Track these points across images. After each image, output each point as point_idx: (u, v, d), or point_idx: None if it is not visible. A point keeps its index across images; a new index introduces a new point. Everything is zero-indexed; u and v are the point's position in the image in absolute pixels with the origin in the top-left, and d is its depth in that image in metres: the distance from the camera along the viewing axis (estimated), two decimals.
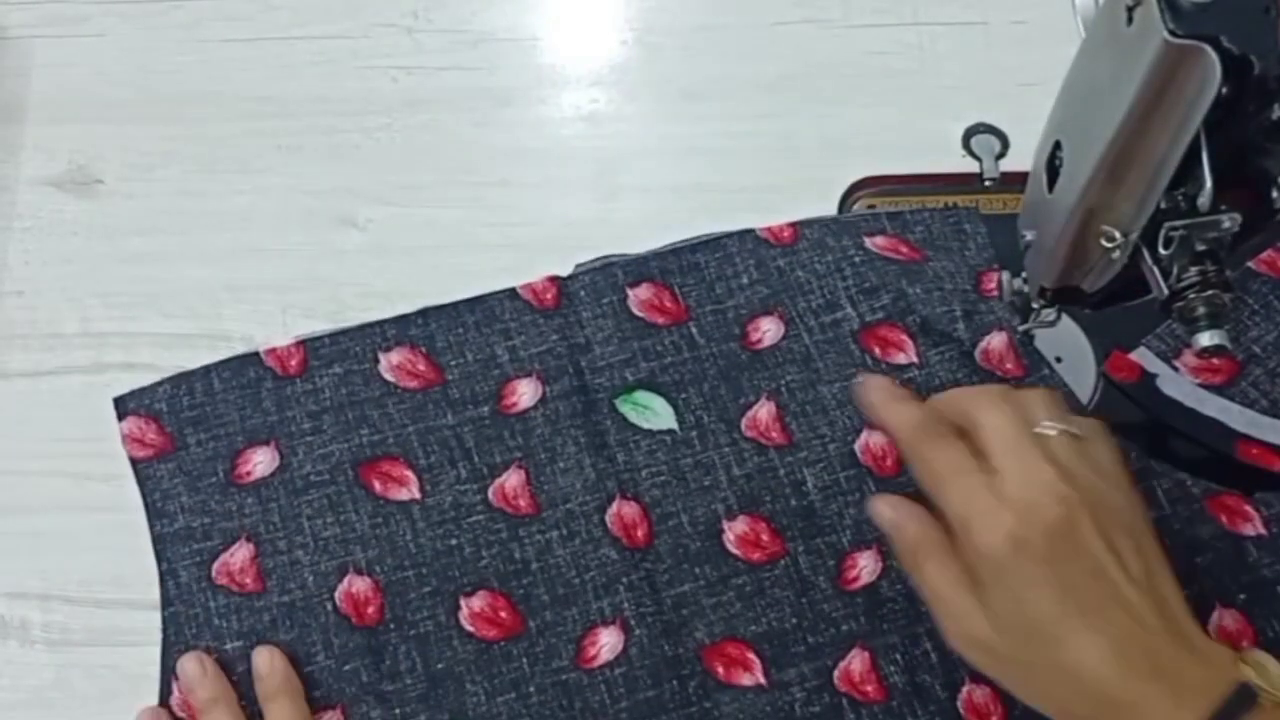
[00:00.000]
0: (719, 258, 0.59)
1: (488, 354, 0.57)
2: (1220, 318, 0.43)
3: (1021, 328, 0.55)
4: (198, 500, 0.54)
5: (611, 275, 0.58)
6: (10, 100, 0.65)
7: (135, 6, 0.68)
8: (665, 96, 0.66)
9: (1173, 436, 0.57)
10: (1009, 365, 0.56)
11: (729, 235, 0.59)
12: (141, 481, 0.54)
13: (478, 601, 0.52)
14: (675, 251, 0.59)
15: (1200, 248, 0.42)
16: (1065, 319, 0.56)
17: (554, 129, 0.65)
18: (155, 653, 0.52)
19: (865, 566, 0.53)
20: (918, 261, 0.58)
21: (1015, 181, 0.58)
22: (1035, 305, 0.53)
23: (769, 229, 0.59)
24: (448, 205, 0.63)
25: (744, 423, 0.55)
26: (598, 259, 0.59)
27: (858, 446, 0.55)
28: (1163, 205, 0.42)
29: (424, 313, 0.58)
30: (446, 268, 0.61)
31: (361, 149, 0.64)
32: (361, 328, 0.57)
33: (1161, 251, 0.43)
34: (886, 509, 0.46)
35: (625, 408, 0.56)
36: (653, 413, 0.56)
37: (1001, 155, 0.63)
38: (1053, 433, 0.44)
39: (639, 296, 0.58)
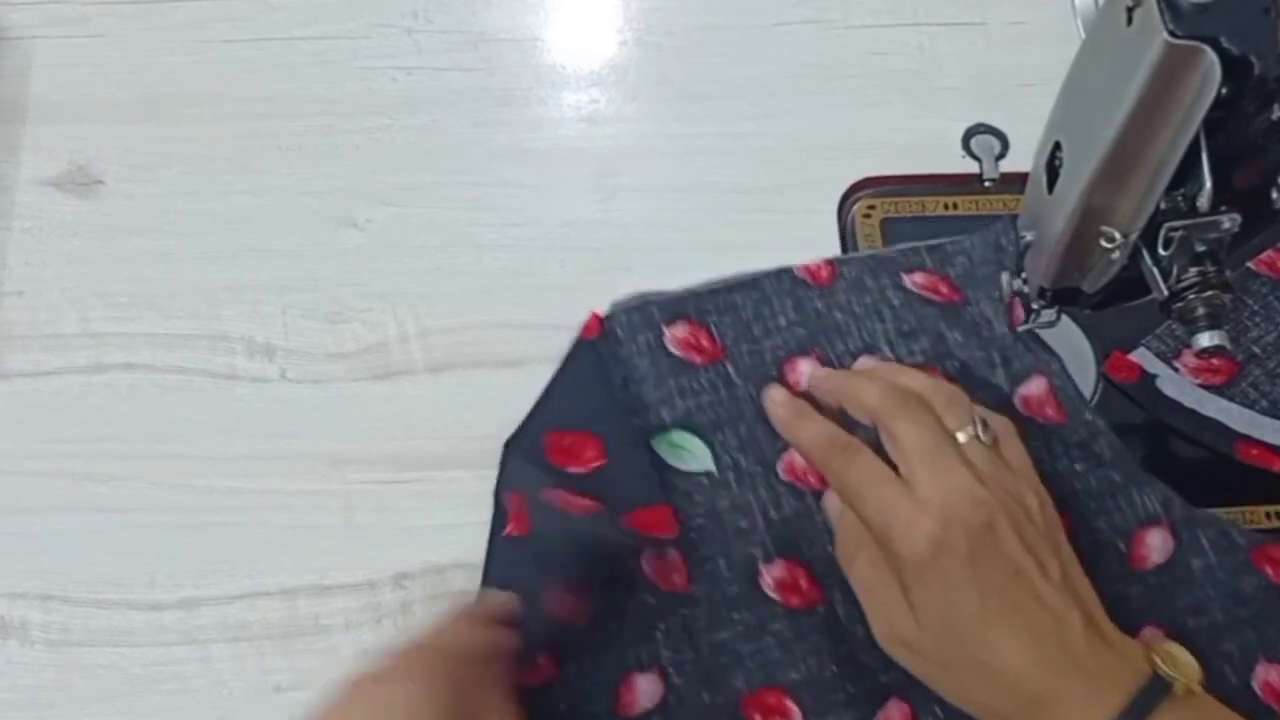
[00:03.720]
0: (756, 298, 0.58)
1: None
2: (1220, 318, 0.43)
3: (1021, 328, 0.55)
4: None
5: (648, 314, 0.57)
6: (10, 100, 0.65)
7: (135, 6, 0.68)
8: (665, 96, 0.66)
9: (1173, 437, 0.57)
10: (1049, 411, 0.54)
11: (766, 275, 0.58)
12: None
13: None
14: (712, 291, 0.58)
15: (1200, 248, 0.42)
16: (1065, 319, 0.56)
17: (554, 129, 0.65)
18: (155, 653, 0.53)
19: None
20: (956, 304, 0.57)
21: (1015, 182, 0.58)
22: (1035, 305, 0.53)
23: (806, 268, 0.58)
24: (448, 205, 0.63)
25: (781, 466, 0.54)
26: (634, 296, 0.58)
27: None
28: (1162, 206, 0.42)
29: None
30: (446, 268, 0.61)
31: (361, 149, 0.64)
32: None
33: (1161, 252, 0.43)
34: (836, 501, 0.48)
35: (662, 448, 0.55)
36: (689, 454, 0.54)
37: (1001, 155, 0.63)
38: (964, 438, 0.46)
39: (675, 335, 0.57)
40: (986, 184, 0.62)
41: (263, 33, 0.67)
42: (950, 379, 0.54)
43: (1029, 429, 0.53)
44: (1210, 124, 0.38)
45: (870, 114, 0.65)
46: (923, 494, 0.44)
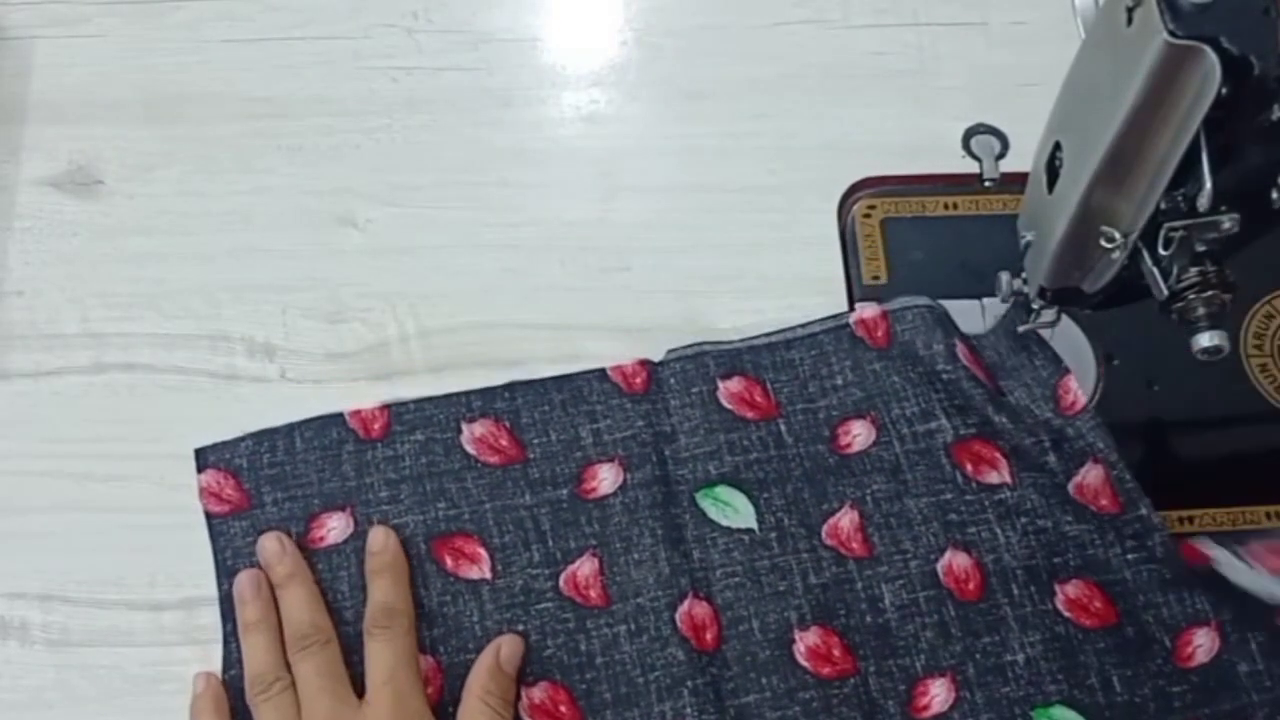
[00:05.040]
0: (814, 356, 0.57)
1: (571, 435, 0.56)
2: (1220, 318, 0.43)
3: (1021, 328, 0.55)
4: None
5: (703, 365, 0.57)
6: (10, 100, 0.65)
7: (135, 6, 0.68)
8: (665, 96, 0.66)
9: (1173, 437, 0.57)
10: (1104, 501, 0.53)
11: (825, 330, 0.58)
12: (214, 537, 0.54)
13: (539, 693, 0.51)
14: (770, 346, 0.58)
15: (1200, 248, 0.42)
16: (1065, 319, 0.56)
17: (554, 129, 0.65)
18: (155, 653, 0.53)
19: (937, 695, 0.51)
20: (994, 390, 0.56)
21: (1015, 182, 0.58)
22: (1035, 305, 0.53)
23: (862, 321, 0.57)
24: (448, 205, 0.63)
25: (825, 530, 0.54)
26: (690, 345, 0.58)
27: (940, 566, 0.53)
28: (1163, 205, 0.42)
29: (511, 386, 0.57)
30: (446, 268, 0.61)
31: (361, 149, 0.64)
32: (447, 397, 0.56)
33: (1161, 252, 0.43)
34: None
35: (705, 502, 0.54)
36: (733, 510, 0.54)
37: (1001, 155, 0.63)
38: None
39: (729, 389, 0.56)
40: (986, 184, 0.62)
41: (263, 33, 0.67)
42: (1004, 455, 0.54)
43: (1082, 515, 0.53)
44: (1210, 124, 0.38)
45: (870, 114, 0.65)
46: None
